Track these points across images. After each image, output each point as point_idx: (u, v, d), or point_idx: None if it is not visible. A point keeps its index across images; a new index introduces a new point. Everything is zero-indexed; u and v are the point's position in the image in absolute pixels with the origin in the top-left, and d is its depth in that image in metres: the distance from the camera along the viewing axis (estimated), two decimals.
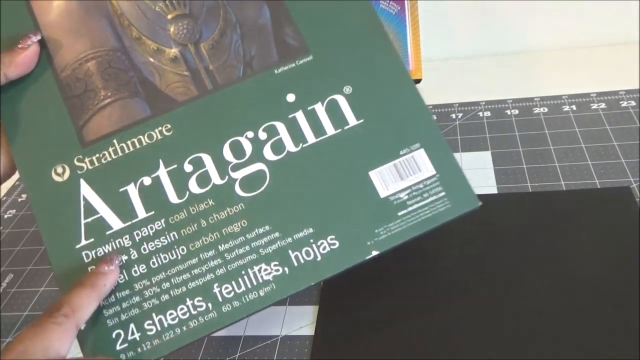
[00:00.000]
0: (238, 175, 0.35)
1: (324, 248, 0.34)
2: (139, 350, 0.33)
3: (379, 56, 0.36)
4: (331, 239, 0.34)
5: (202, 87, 0.36)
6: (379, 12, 0.66)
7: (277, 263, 0.34)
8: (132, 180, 0.35)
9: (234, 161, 0.35)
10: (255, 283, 0.34)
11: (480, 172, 0.51)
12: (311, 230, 0.34)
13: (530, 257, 0.42)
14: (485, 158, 0.53)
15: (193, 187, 0.34)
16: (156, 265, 0.34)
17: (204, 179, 0.35)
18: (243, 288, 0.34)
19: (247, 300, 0.34)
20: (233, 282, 0.34)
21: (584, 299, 0.38)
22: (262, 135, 0.35)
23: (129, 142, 0.35)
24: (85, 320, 0.32)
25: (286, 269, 0.34)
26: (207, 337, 0.41)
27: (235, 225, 0.34)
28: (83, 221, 0.34)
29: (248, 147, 0.35)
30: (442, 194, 0.34)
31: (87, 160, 0.35)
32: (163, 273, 0.34)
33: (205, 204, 0.34)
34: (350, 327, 0.39)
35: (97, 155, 0.35)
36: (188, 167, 0.35)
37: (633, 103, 0.57)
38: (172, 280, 0.34)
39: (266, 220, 0.34)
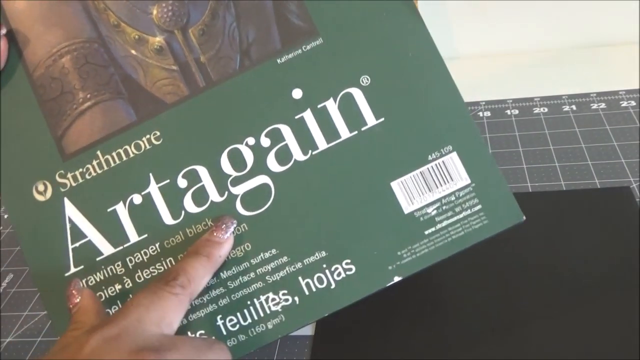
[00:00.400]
0: (239, 190, 0.30)
1: (339, 274, 0.30)
2: None
3: (404, 37, 0.30)
4: (347, 264, 0.29)
5: (194, 85, 0.31)
6: None
7: (285, 292, 0.30)
8: (121, 199, 0.31)
9: (234, 174, 0.30)
10: (262, 314, 0.30)
11: None
12: (324, 253, 0.30)
13: (530, 257, 0.41)
14: None
15: (189, 205, 0.31)
16: None
17: (200, 196, 0.31)
18: (249, 320, 0.30)
19: (254, 333, 0.30)
20: (238, 314, 0.30)
21: (584, 299, 0.38)
22: (265, 142, 0.30)
23: (114, 154, 0.31)
24: (198, 293, 0.29)
25: (296, 298, 0.30)
26: None
27: (237, 250, 0.30)
28: (71, 246, 0.31)
29: (249, 157, 0.30)
30: (479, 207, 0.29)
31: (69, 175, 0.31)
32: None
33: (203, 224, 0.31)
34: (350, 326, 0.39)
35: (80, 169, 0.31)
36: (182, 182, 0.31)
37: (633, 103, 0.57)
38: None
39: (272, 243, 0.30)
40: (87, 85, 0.31)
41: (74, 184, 0.31)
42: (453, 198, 0.29)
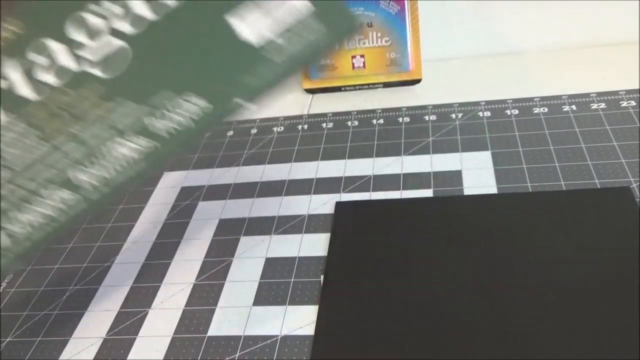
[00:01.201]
0: (88, 54, 0.31)
1: (187, 109, 0.31)
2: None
3: None
4: (191, 99, 0.31)
5: None
6: (379, 12, 0.66)
7: (138, 136, 0.31)
8: None
9: (81, 39, 0.31)
10: (119, 160, 0.31)
11: (480, 172, 0.51)
12: (169, 92, 0.31)
13: (529, 257, 0.42)
14: (485, 158, 0.53)
15: (45, 77, 0.31)
16: (20, 165, 0.31)
17: (52, 66, 0.31)
18: (110, 168, 0.31)
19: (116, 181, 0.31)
20: (95, 164, 0.31)
21: (584, 299, 0.38)
22: (108, 5, 0.30)
23: None
24: None
25: (149, 140, 0.31)
26: (206, 337, 0.42)
27: (98, 109, 0.31)
28: None
29: (97, 23, 0.31)
30: (319, 26, 0.30)
31: None
32: (27, 172, 0.31)
33: (63, 94, 0.31)
34: (350, 326, 0.39)
35: None
36: (34, 57, 0.31)
37: (633, 103, 0.57)
38: (37, 178, 0.31)
39: (128, 96, 0.31)
40: None
41: None
42: (293, 25, 0.30)
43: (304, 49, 0.30)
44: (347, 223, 0.48)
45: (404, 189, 0.51)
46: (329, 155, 0.58)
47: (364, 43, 0.68)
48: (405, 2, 0.66)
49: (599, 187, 0.47)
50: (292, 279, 0.45)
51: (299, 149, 0.60)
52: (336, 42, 0.30)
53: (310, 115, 0.66)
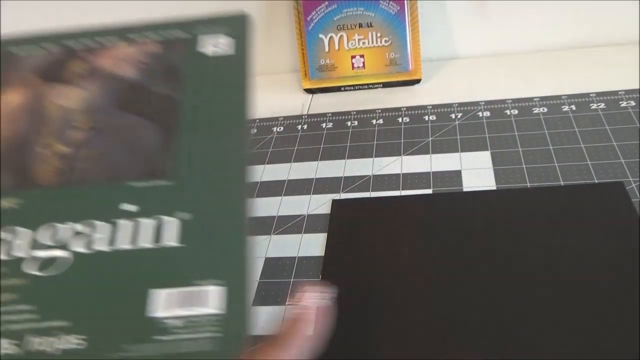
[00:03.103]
0: (40, 254, 0.35)
1: (68, 343, 0.33)
2: None
3: (228, 197, 0.37)
4: (79, 338, 0.33)
5: (64, 179, 0.38)
6: (379, 12, 0.66)
7: (16, 342, 0.33)
8: None
9: (45, 243, 0.35)
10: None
11: (480, 172, 0.51)
12: (66, 323, 0.33)
13: (524, 251, 0.42)
14: (484, 158, 0.53)
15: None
16: None
17: (10, 248, 0.35)
18: None
19: None
20: None
21: (580, 294, 0.38)
22: (80, 228, 0.36)
23: None
24: None
25: (21, 350, 0.33)
26: None
27: (2, 295, 0.34)
28: None
29: (64, 234, 0.36)
30: (217, 335, 0.32)
31: None
32: None
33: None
34: (347, 323, 0.39)
35: None
36: (4, 235, 0.36)
37: (632, 103, 0.57)
38: None
39: (34, 301, 0.34)
40: (3, 164, 0.40)
41: None
42: (198, 319, 0.32)
43: (191, 352, 0.31)
44: (343, 220, 0.48)
45: (404, 189, 0.51)
46: (329, 155, 0.58)
47: (363, 43, 0.68)
48: (405, 2, 0.66)
49: None
50: (292, 279, 0.45)
51: (298, 149, 0.60)
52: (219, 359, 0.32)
53: (309, 115, 0.66)
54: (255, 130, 0.64)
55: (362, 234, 0.47)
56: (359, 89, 0.69)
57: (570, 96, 0.60)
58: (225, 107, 0.41)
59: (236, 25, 0.46)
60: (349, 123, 0.63)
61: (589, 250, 0.41)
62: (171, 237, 0.35)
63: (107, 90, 0.43)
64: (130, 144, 0.40)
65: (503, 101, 0.61)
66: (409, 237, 0.45)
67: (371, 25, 0.67)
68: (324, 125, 0.63)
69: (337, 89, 0.70)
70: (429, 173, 0.52)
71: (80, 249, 0.35)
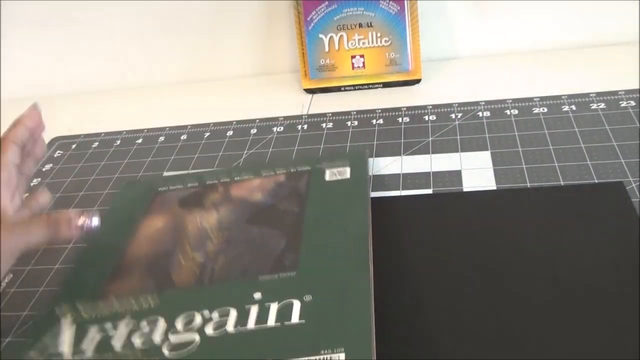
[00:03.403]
0: (173, 338, 0.39)
1: None
2: None
3: (349, 281, 0.41)
4: None
5: (201, 281, 0.44)
6: (379, 12, 0.66)
7: None
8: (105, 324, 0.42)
9: (179, 329, 0.40)
10: None
11: (479, 172, 0.51)
12: None
13: (524, 252, 0.42)
14: (485, 158, 0.53)
15: (136, 340, 0.40)
16: None
17: (148, 336, 0.40)
18: None
19: None
20: None
21: (580, 296, 0.38)
22: (214, 315, 0.40)
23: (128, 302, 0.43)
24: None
25: None
26: None
27: None
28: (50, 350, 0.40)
29: (198, 321, 0.40)
30: None
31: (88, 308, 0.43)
32: None
33: (133, 354, 0.39)
34: None
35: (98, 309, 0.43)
36: (144, 325, 0.41)
37: (633, 103, 0.57)
38: None
39: None
40: (144, 272, 0.47)
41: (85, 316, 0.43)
42: None
43: None
44: None
45: (404, 189, 0.51)
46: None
47: (363, 43, 0.68)
48: (405, 2, 0.66)
49: None
50: None
51: (298, 149, 0.60)
52: None
53: (310, 115, 0.66)
54: (255, 131, 0.65)
55: None
56: (359, 89, 0.69)
57: (570, 96, 0.60)
58: (342, 215, 0.48)
59: (354, 157, 0.55)
60: (349, 123, 0.63)
61: (589, 250, 0.41)
62: (295, 315, 0.39)
63: (239, 211, 0.51)
64: (259, 249, 0.46)
65: (503, 101, 0.61)
66: (409, 237, 0.45)
67: (371, 25, 0.67)
68: (324, 125, 0.63)
69: (337, 89, 0.70)
70: (429, 173, 0.52)
71: (211, 332, 0.39)
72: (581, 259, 0.41)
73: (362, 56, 0.68)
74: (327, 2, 0.67)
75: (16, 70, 0.83)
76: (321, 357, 0.36)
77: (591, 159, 0.50)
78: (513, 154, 0.53)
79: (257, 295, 0.41)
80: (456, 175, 0.51)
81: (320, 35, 0.68)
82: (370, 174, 0.54)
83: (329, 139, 0.60)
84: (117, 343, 0.40)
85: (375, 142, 0.58)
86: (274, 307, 0.40)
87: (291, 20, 0.72)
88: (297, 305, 0.40)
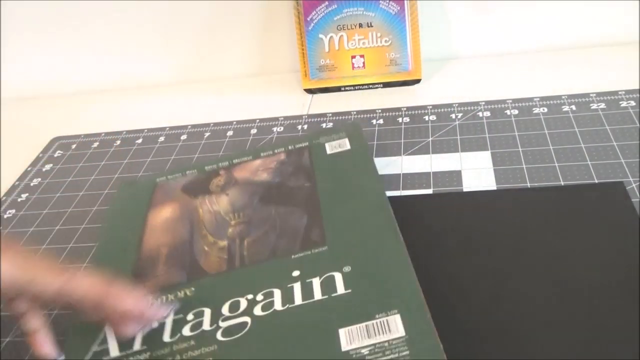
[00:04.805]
0: (224, 324, 0.39)
1: None
2: None
3: (384, 246, 0.42)
4: None
5: (232, 265, 0.44)
6: (379, 12, 0.66)
7: None
8: None
9: (227, 314, 0.40)
10: None
11: (480, 172, 0.51)
12: None
13: (524, 252, 0.42)
14: (485, 158, 0.53)
15: (185, 330, 0.40)
16: None
17: (197, 325, 0.40)
18: None
19: None
20: None
21: (580, 296, 0.38)
22: (259, 297, 0.40)
23: (162, 298, 0.43)
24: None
25: None
26: None
27: None
28: (93, 349, 0.40)
29: (243, 305, 0.40)
30: (406, 353, 0.34)
31: None
32: None
33: (187, 343, 0.39)
34: None
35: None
36: (190, 317, 0.41)
37: (633, 103, 0.57)
38: None
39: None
40: (167, 264, 0.46)
41: None
42: (386, 344, 0.35)
43: None
44: None
45: (404, 189, 0.51)
46: None
47: (363, 43, 0.68)
48: (405, 2, 0.66)
49: None
50: None
51: None
52: None
53: (310, 115, 0.66)
54: (256, 131, 0.64)
55: None
56: (359, 89, 0.69)
57: (570, 96, 0.60)
58: (355, 184, 0.48)
59: (349, 129, 0.55)
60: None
61: (589, 250, 0.41)
62: (339, 287, 0.40)
63: (249, 192, 0.51)
64: (282, 227, 0.46)
65: (503, 101, 0.61)
66: (409, 237, 0.45)
67: (371, 25, 0.67)
68: (324, 125, 0.63)
69: (337, 89, 0.70)
70: (429, 173, 0.52)
71: (260, 312, 0.39)
72: (581, 259, 0.41)
73: (362, 56, 0.68)
74: (327, 2, 0.67)
75: (16, 69, 0.83)
76: (376, 321, 0.36)
77: (591, 159, 0.50)
78: (513, 154, 0.53)
79: (296, 273, 0.41)
80: (456, 175, 0.51)
81: (320, 35, 0.68)
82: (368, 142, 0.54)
83: None
84: (166, 336, 0.40)
85: (375, 142, 0.58)
86: (316, 282, 0.40)
87: (291, 20, 0.72)
88: (338, 277, 0.40)
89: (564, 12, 0.69)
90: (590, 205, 0.45)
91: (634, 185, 0.47)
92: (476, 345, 0.37)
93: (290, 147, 0.55)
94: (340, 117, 0.64)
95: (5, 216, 0.59)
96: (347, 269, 0.40)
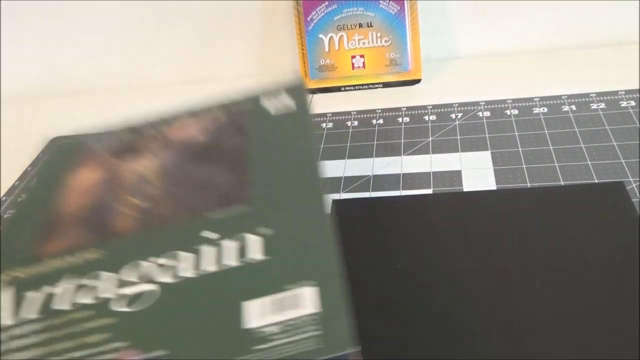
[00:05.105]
0: (127, 291, 0.36)
1: None
2: None
3: (307, 210, 0.38)
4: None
5: (147, 228, 0.40)
6: (379, 12, 0.66)
7: None
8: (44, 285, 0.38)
9: (127, 279, 0.36)
10: None
11: (480, 172, 0.51)
12: (162, 352, 0.33)
13: (524, 252, 0.42)
14: (485, 158, 0.53)
15: (82, 299, 0.36)
16: None
17: (94, 292, 0.36)
18: None
19: None
20: None
21: (580, 296, 0.38)
22: (161, 261, 0.37)
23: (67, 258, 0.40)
24: None
25: None
26: None
27: (96, 336, 0.34)
28: None
29: (144, 268, 0.37)
30: (318, 332, 0.31)
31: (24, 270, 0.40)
32: None
33: (87, 312, 0.35)
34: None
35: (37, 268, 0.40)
36: (86, 281, 0.37)
37: (633, 103, 0.57)
38: None
39: (127, 336, 0.34)
40: (80, 225, 0.43)
41: (22, 276, 0.39)
42: (296, 322, 0.32)
43: (293, 354, 0.31)
44: (344, 220, 0.48)
45: (404, 189, 0.51)
46: (329, 155, 0.58)
47: (363, 43, 0.68)
48: (405, 2, 0.66)
49: None
50: None
51: None
52: (326, 357, 0.31)
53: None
54: None
55: (362, 234, 0.47)
56: (359, 89, 0.69)
57: (570, 96, 0.60)
58: (290, 146, 0.45)
59: (293, 89, 0.52)
60: (349, 123, 0.63)
61: (589, 250, 0.41)
62: (255, 252, 0.36)
63: (179, 153, 0.48)
64: (205, 187, 0.43)
65: (503, 101, 0.61)
66: (410, 237, 0.45)
67: (371, 25, 0.67)
68: (324, 125, 0.63)
69: (337, 89, 0.70)
70: (429, 173, 0.52)
71: (167, 279, 0.36)
72: (581, 259, 0.41)
73: (362, 56, 0.68)
74: (327, 2, 0.67)
75: (16, 68, 0.83)
76: (286, 293, 0.33)
77: (591, 159, 0.50)
78: (513, 154, 0.53)
79: (207, 234, 0.38)
80: (456, 175, 0.51)
81: (320, 35, 0.68)
82: (309, 104, 0.52)
83: (329, 139, 0.60)
84: (63, 304, 0.36)
85: (375, 142, 0.58)
86: (230, 245, 0.37)
87: (291, 20, 0.72)
88: (256, 241, 0.37)
89: (564, 12, 0.69)
90: (590, 205, 0.45)
91: (634, 185, 0.47)
92: (476, 345, 0.37)
93: (231, 108, 0.52)
94: (341, 117, 0.64)
95: (6, 216, 0.59)
96: (267, 231, 0.37)
